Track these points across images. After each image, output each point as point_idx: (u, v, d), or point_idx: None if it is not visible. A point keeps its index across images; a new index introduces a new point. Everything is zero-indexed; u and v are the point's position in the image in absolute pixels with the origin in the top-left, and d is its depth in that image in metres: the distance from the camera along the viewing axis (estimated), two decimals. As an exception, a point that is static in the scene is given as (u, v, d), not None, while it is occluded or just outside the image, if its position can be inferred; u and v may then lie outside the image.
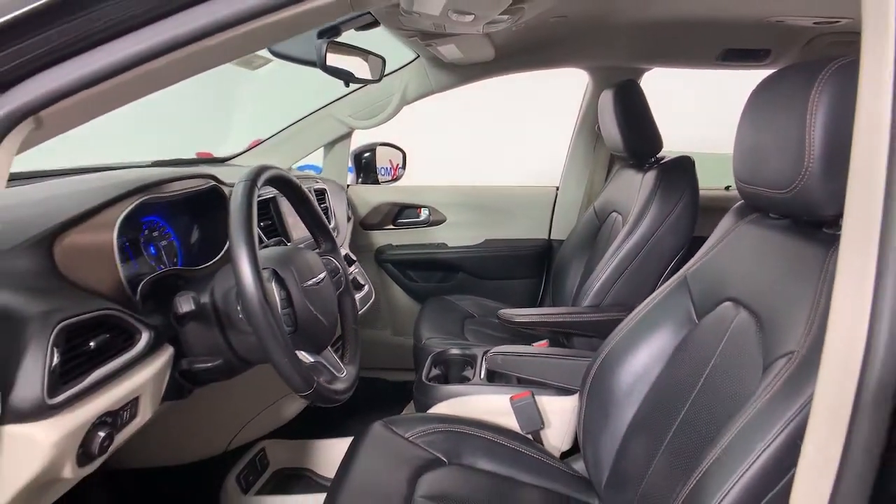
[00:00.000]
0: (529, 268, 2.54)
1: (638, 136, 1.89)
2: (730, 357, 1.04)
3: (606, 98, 1.95)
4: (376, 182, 2.63)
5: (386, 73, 2.26)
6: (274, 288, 0.98)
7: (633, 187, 1.93)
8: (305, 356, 1.04)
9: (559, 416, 1.51)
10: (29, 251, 0.79)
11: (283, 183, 1.11)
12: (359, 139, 2.57)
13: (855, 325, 0.55)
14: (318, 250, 1.23)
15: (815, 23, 1.88)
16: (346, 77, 1.53)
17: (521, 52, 2.15)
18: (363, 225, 2.51)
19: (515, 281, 2.55)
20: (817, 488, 0.58)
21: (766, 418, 0.81)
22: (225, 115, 3.14)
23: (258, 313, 0.87)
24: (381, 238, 2.52)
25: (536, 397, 1.50)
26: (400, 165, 2.77)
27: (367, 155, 2.65)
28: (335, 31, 1.47)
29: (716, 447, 0.87)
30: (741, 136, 1.04)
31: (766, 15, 1.85)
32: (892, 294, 0.53)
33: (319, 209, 1.26)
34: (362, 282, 1.70)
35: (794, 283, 0.93)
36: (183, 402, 1.08)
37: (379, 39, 1.75)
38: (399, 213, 2.56)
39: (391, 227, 2.55)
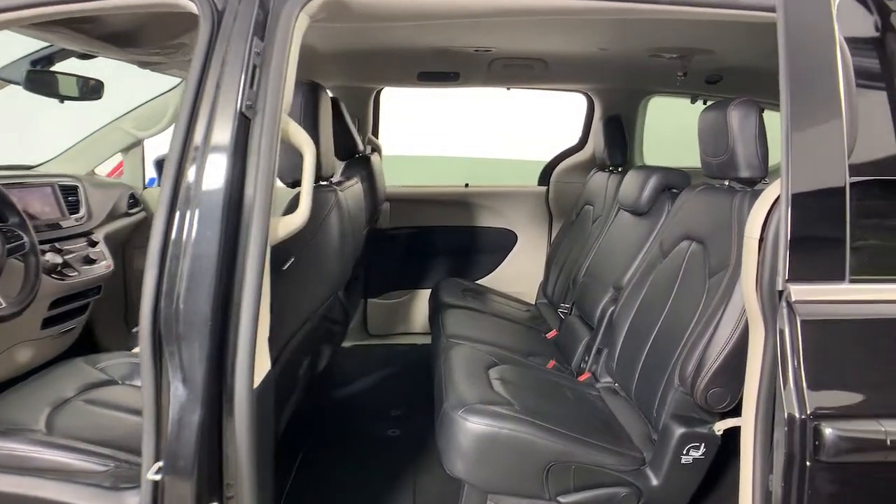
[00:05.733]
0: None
1: (339, 140, 2.40)
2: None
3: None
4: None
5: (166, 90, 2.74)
6: None
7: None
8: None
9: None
10: None
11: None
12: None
13: None
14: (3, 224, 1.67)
15: (475, 50, 2.42)
16: (56, 96, 1.95)
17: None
18: (159, 220, 2.93)
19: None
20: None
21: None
22: (33, 128, 3.55)
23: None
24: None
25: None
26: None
27: (168, 162, 3.09)
28: (49, 60, 1.91)
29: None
30: None
31: (449, 45, 2.38)
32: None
33: (6, 194, 1.70)
34: (94, 258, 2.13)
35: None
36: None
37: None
38: (191, 210, 2.99)
39: (183, 221, 2.98)
